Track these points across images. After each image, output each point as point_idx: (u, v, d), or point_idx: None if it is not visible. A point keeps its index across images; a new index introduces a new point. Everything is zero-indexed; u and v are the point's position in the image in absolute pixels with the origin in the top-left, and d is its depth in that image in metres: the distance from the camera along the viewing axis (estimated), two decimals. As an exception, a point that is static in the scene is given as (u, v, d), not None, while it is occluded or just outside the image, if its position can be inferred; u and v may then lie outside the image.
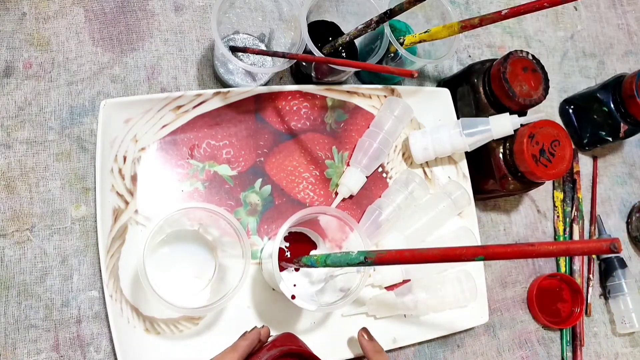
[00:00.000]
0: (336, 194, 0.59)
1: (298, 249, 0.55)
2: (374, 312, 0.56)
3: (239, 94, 0.55)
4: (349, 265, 0.43)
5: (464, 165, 0.62)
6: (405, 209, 0.59)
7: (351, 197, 0.59)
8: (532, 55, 0.59)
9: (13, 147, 0.50)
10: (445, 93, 0.62)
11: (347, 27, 0.59)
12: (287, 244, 0.54)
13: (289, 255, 0.54)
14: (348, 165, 0.60)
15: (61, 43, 0.53)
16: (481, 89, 0.60)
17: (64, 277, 0.50)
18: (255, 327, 0.48)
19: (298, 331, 0.54)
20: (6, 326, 0.47)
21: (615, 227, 0.74)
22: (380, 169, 0.61)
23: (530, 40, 0.75)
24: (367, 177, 0.59)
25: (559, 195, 0.71)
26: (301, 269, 0.54)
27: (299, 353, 0.43)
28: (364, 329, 0.53)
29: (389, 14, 0.50)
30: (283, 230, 0.48)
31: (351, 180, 0.58)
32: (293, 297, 0.47)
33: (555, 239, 0.70)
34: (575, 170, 0.72)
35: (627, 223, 0.74)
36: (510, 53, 0.58)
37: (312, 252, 0.55)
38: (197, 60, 0.58)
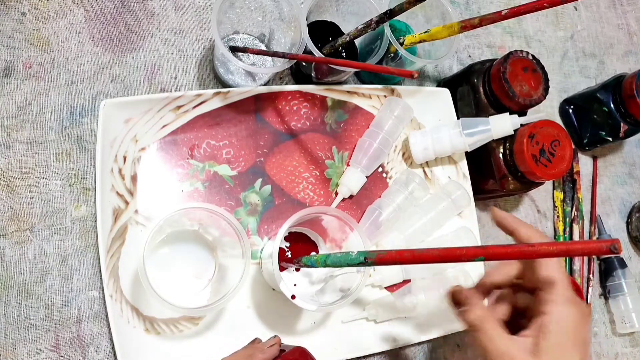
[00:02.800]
0: (336, 194, 0.59)
1: (298, 249, 0.55)
2: (374, 317, 0.56)
3: (239, 94, 0.55)
4: (349, 265, 0.43)
5: (464, 165, 0.62)
6: (405, 209, 0.59)
7: (351, 197, 0.59)
8: (532, 55, 0.59)
9: (13, 147, 0.50)
10: (445, 93, 0.62)
11: (347, 27, 0.59)
12: (288, 244, 0.54)
13: (289, 255, 0.54)
14: (348, 165, 0.60)
15: (61, 43, 0.53)
16: (481, 89, 0.60)
17: (64, 277, 0.50)
18: (275, 337, 0.45)
19: (298, 331, 0.54)
20: (6, 326, 0.47)
21: (615, 227, 0.74)
22: (380, 169, 0.61)
23: (530, 40, 0.74)
24: (367, 177, 0.59)
25: (559, 195, 0.71)
26: (301, 269, 0.54)
27: None
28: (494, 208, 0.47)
29: (389, 14, 0.50)
30: (283, 230, 0.48)
31: (351, 180, 0.58)
32: (293, 297, 0.47)
33: (555, 239, 0.70)
34: (575, 170, 0.72)
35: (627, 223, 0.74)
36: (510, 53, 0.58)
37: (313, 253, 0.55)
38: (197, 60, 0.58)
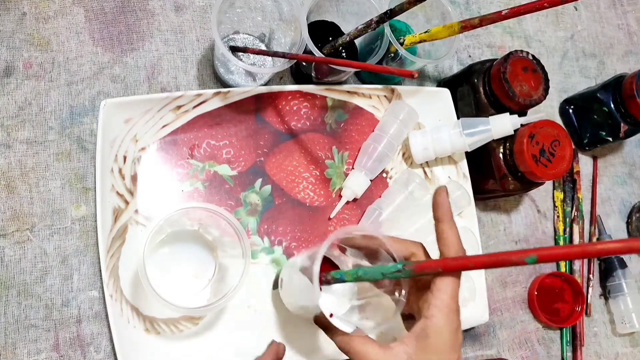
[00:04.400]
0: (338, 195, 0.59)
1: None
2: None
3: (239, 94, 0.55)
4: (384, 276, 0.39)
5: (464, 165, 0.62)
6: (405, 209, 0.59)
7: (354, 200, 0.59)
8: (532, 55, 0.59)
9: (13, 147, 0.50)
10: (446, 93, 0.62)
11: (347, 27, 0.59)
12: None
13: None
14: (350, 166, 0.60)
15: (61, 43, 0.53)
16: (481, 89, 0.60)
17: (64, 277, 0.50)
18: (273, 341, 0.46)
19: (298, 331, 0.54)
20: (6, 326, 0.47)
21: (615, 227, 0.74)
22: (380, 169, 0.61)
23: (530, 40, 0.74)
24: (371, 180, 0.59)
25: (559, 195, 0.71)
26: (323, 289, 0.47)
27: None
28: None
29: (389, 14, 0.50)
30: (325, 246, 0.41)
31: (355, 184, 0.57)
32: (331, 315, 0.43)
33: (555, 239, 0.70)
34: (575, 170, 0.72)
35: (627, 223, 0.74)
36: (510, 53, 0.58)
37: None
38: (197, 60, 0.58)
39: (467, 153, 0.62)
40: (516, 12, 0.48)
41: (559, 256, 0.32)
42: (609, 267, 0.69)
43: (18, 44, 0.52)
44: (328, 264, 0.48)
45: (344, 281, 0.42)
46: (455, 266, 0.36)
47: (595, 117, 0.69)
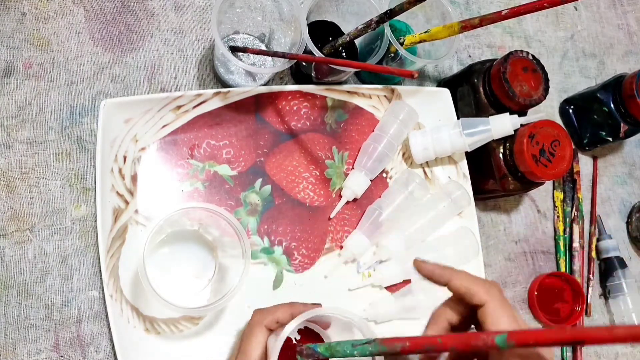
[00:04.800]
0: (338, 195, 0.59)
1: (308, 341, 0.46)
2: (374, 317, 0.56)
3: (239, 94, 0.55)
4: (354, 348, 0.37)
5: (464, 165, 0.62)
6: (405, 209, 0.59)
7: (354, 200, 0.59)
8: (532, 55, 0.59)
9: (13, 147, 0.50)
10: (445, 93, 0.62)
11: (347, 27, 0.59)
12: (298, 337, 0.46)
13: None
14: (350, 166, 0.60)
15: (61, 43, 0.53)
16: (481, 89, 0.60)
17: (64, 277, 0.50)
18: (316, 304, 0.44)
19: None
20: (6, 326, 0.47)
21: (615, 227, 0.74)
22: (380, 169, 0.61)
23: (530, 40, 0.74)
24: (371, 180, 0.59)
25: (559, 195, 0.71)
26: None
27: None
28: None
29: (389, 14, 0.50)
30: (293, 324, 0.40)
31: (355, 184, 0.57)
32: None
33: (555, 239, 0.70)
34: (575, 170, 0.72)
35: (627, 223, 0.74)
36: (510, 53, 0.58)
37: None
38: (197, 60, 0.58)
39: (467, 153, 0.62)
40: (516, 12, 0.48)
41: (530, 339, 0.29)
42: (609, 267, 0.69)
43: (18, 44, 0.52)
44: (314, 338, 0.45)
45: (321, 355, 0.39)
46: (424, 343, 0.33)
47: (595, 117, 0.69)
